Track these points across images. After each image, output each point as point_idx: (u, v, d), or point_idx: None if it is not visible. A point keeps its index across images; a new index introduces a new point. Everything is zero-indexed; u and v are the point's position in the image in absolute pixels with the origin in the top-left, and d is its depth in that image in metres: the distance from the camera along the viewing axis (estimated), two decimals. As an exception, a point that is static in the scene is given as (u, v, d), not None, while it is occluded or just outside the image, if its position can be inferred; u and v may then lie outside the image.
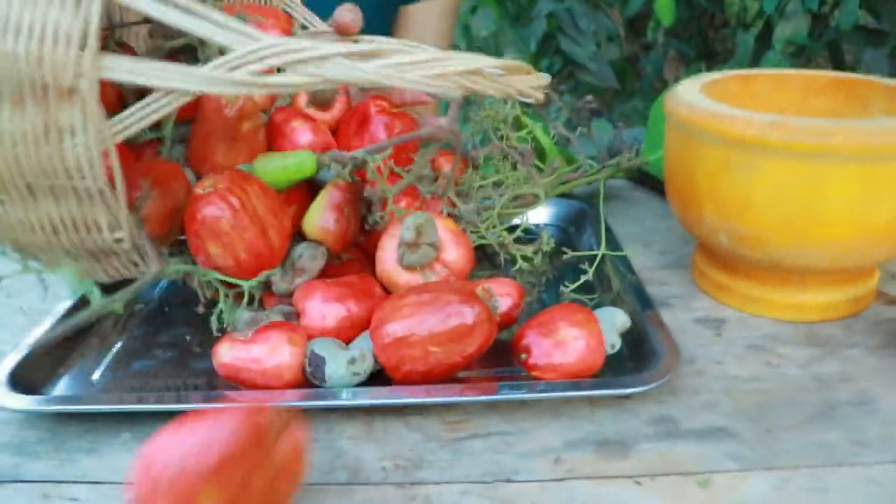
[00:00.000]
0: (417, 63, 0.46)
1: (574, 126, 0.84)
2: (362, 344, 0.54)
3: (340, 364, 0.53)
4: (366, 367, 0.53)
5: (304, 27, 0.77)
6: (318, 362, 0.53)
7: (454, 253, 0.61)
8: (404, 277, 0.60)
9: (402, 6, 1.13)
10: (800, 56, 2.00)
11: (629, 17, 2.23)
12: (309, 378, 0.54)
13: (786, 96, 0.74)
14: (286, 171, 0.60)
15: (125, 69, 0.45)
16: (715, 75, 0.71)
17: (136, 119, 0.47)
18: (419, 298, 0.53)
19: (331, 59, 0.44)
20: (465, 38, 2.58)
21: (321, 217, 0.61)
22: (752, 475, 0.48)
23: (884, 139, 0.55)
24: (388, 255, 0.61)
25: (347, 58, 0.44)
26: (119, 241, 0.53)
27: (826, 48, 1.95)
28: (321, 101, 0.71)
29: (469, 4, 2.57)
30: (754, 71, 0.73)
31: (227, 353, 0.53)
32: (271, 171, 0.59)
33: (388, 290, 0.61)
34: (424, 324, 0.52)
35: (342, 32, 0.73)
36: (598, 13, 2.15)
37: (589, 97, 0.78)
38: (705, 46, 2.49)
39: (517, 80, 0.52)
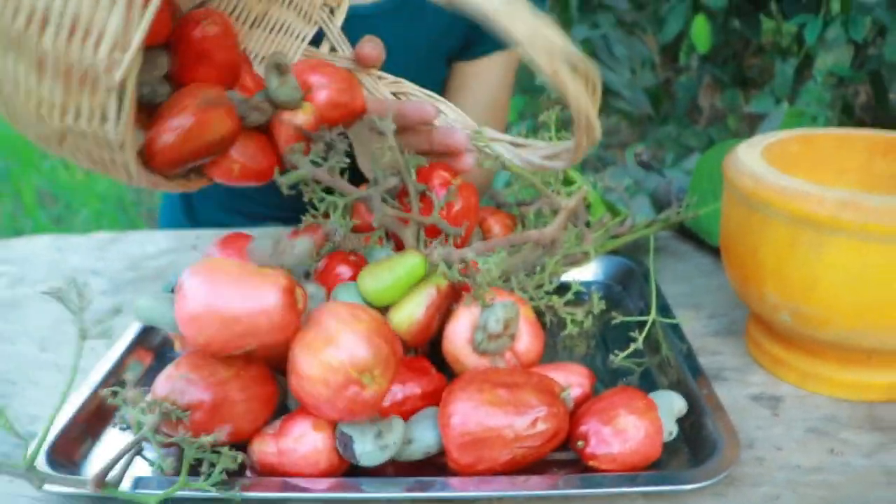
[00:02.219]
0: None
1: (601, 159, 0.81)
2: (419, 429, 0.52)
3: (368, 440, 0.50)
4: (395, 438, 0.51)
5: (332, 49, 0.75)
6: (345, 442, 0.50)
7: (528, 344, 0.59)
8: (473, 360, 0.58)
9: (454, 63, 1.05)
10: (840, 86, 1.97)
11: (664, 44, 2.20)
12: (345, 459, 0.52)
13: (850, 156, 0.71)
14: (400, 284, 0.57)
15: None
16: (775, 136, 0.69)
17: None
18: (497, 396, 0.51)
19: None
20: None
21: (413, 315, 0.58)
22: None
23: (962, 223, 0.52)
24: (460, 332, 0.58)
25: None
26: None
27: (867, 78, 1.92)
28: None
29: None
30: (817, 131, 0.71)
31: (257, 449, 0.51)
32: (385, 289, 0.56)
33: (450, 366, 0.60)
34: (511, 427, 0.50)
35: (363, 64, 0.72)
36: (633, 39, 2.12)
37: (640, 149, 0.76)
38: (740, 72, 2.45)
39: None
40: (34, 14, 0.46)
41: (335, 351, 0.48)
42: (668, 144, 2.45)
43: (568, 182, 0.79)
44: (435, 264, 0.57)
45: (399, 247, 0.66)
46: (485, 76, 1.04)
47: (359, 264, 0.63)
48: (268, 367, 0.54)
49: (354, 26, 0.74)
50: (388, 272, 0.56)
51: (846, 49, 1.90)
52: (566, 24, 2.30)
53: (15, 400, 0.65)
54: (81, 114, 0.49)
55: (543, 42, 0.47)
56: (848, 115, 2.06)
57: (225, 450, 0.47)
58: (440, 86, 1.05)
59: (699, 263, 0.85)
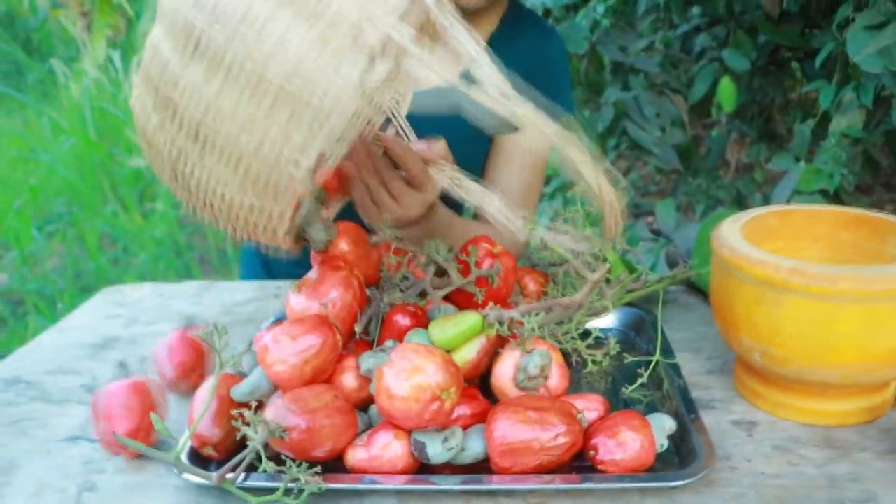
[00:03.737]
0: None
1: (639, 206, 0.97)
2: (470, 440, 0.70)
3: (437, 444, 0.68)
4: (457, 441, 0.68)
5: (397, 133, 0.93)
6: (420, 447, 0.68)
7: (557, 382, 0.77)
8: (514, 393, 0.76)
9: (495, 136, 1.22)
10: (857, 145, 2.11)
11: (692, 103, 2.36)
12: (418, 460, 0.69)
13: (819, 228, 0.87)
14: (462, 336, 0.74)
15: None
16: (756, 212, 0.85)
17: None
18: (528, 416, 0.68)
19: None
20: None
21: (467, 356, 0.75)
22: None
23: (882, 284, 0.68)
24: (506, 372, 0.76)
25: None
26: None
27: (883, 137, 2.05)
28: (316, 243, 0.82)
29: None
30: (790, 207, 0.87)
31: (352, 457, 0.69)
32: (450, 338, 0.74)
33: (496, 396, 0.77)
34: (538, 440, 0.67)
35: (426, 161, 0.90)
36: (663, 99, 2.29)
37: (650, 219, 0.92)
38: (767, 128, 2.60)
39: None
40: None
41: (423, 376, 0.66)
42: (699, 196, 2.61)
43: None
44: (491, 324, 0.75)
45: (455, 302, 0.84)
46: (521, 146, 1.23)
47: (416, 314, 0.81)
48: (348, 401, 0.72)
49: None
50: (453, 326, 0.74)
51: (859, 112, 2.05)
52: (600, 86, 2.49)
53: (152, 418, 0.83)
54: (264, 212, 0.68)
55: (590, 165, 0.70)
56: (871, 171, 2.19)
57: (310, 477, 0.64)
58: (485, 152, 1.25)
59: (702, 314, 1.02)
